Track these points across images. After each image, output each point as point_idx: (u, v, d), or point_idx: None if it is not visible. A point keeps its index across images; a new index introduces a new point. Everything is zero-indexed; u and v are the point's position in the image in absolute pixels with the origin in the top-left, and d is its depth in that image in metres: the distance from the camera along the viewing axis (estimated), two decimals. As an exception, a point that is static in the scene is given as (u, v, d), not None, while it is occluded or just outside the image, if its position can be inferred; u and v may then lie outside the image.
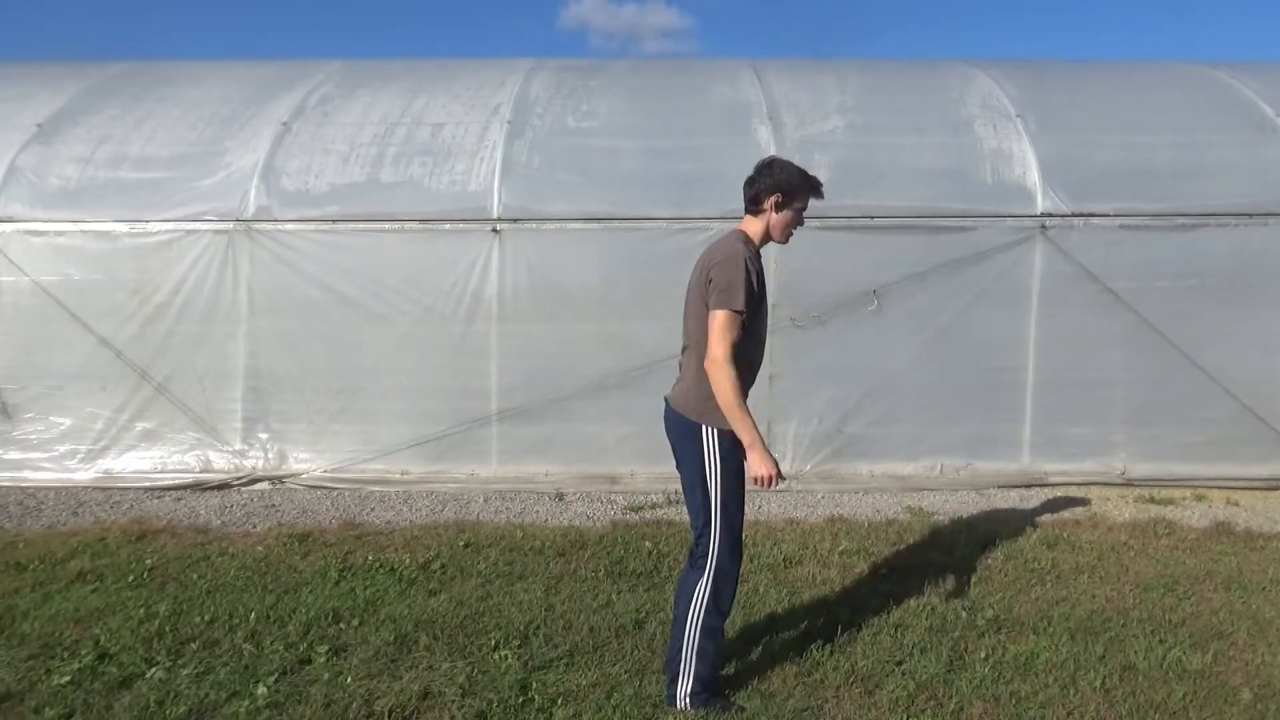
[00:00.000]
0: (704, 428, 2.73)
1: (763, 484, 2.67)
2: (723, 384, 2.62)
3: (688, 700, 2.79)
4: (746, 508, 2.86)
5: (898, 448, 5.56)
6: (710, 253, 2.79)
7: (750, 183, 2.85)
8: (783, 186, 2.78)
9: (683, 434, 2.80)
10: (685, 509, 2.93)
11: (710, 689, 2.82)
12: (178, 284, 5.49)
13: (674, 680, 2.81)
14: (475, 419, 5.51)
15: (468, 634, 3.39)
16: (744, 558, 2.82)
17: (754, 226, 2.85)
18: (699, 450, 2.75)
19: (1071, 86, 6.37)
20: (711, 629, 2.76)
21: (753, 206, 2.84)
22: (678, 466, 2.87)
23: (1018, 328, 5.49)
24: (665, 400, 2.90)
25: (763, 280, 2.75)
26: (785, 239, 2.89)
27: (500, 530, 4.64)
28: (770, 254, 5.39)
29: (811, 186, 2.83)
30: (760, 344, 2.86)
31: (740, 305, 2.63)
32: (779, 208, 2.80)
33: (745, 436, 2.66)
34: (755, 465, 2.67)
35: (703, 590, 2.74)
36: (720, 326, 2.63)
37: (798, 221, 2.87)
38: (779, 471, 2.68)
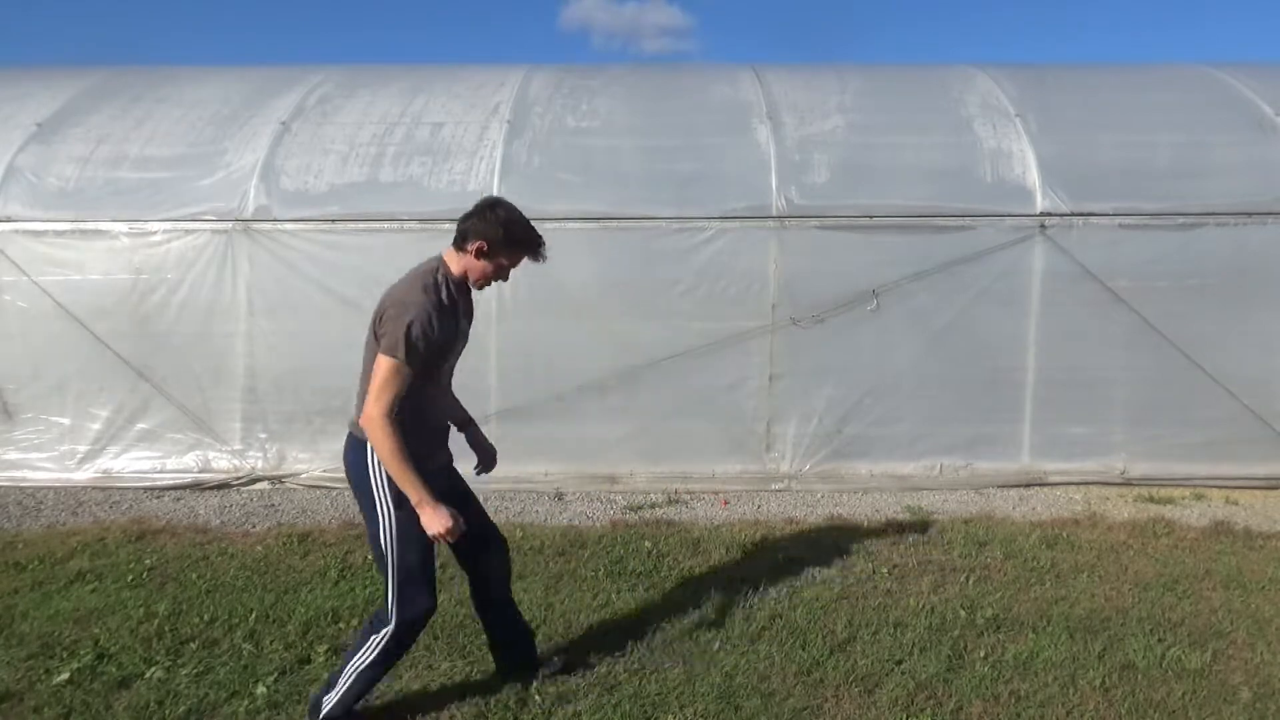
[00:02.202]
0: (369, 451, 2.57)
1: (441, 539, 2.52)
2: (381, 442, 2.45)
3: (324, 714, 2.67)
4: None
5: (897, 447, 5.56)
6: (393, 290, 2.60)
7: (464, 218, 2.65)
8: (489, 238, 2.60)
9: (359, 475, 2.63)
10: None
11: (352, 715, 2.72)
12: (176, 284, 5.48)
13: (327, 690, 2.69)
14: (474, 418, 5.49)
15: (467, 633, 3.39)
16: (431, 606, 2.67)
17: (453, 262, 2.67)
18: (370, 491, 2.60)
19: (1071, 86, 6.36)
20: (379, 666, 2.66)
21: (459, 240, 2.65)
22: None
23: (1017, 327, 5.49)
24: (349, 434, 2.70)
25: (440, 337, 2.55)
26: (480, 287, 2.71)
27: (500, 530, 4.63)
28: (770, 253, 5.41)
29: (530, 248, 2.67)
30: (444, 390, 2.73)
31: (403, 357, 2.46)
32: (480, 255, 2.63)
33: (412, 495, 2.48)
34: (428, 523, 2.50)
35: (383, 636, 2.61)
36: (381, 377, 2.46)
37: (500, 275, 2.69)
38: (455, 522, 2.51)
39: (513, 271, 2.74)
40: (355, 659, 2.65)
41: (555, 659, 3.12)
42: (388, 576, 2.60)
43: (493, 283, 2.72)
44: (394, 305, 2.54)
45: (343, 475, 5.28)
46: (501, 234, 2.62)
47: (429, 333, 2.51)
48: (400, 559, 2.58)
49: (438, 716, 2.83)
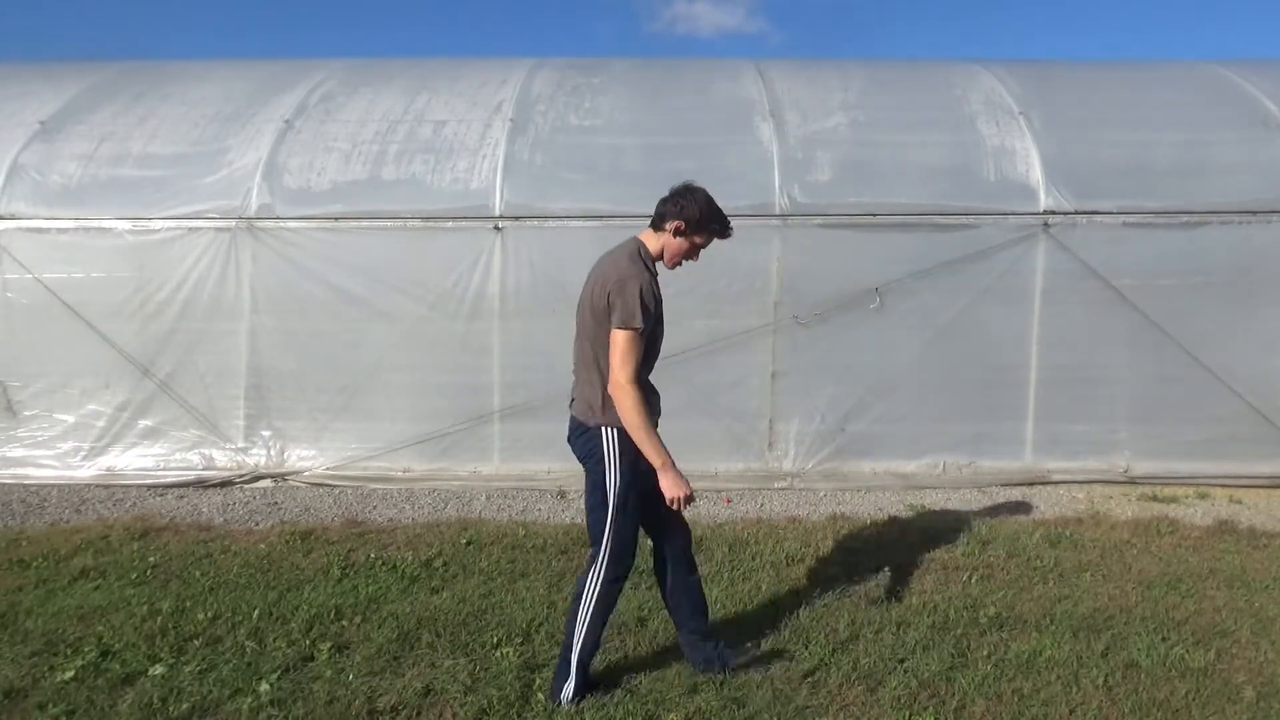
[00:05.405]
0: (603, 429, 2.76)
1: (677, 505, 2.72)
2: (627, 407, 2.64)
3: (568, 697, 2.84)
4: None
5: (900, 445, 5.55)
6: (606, 270, 2.77)
7: (662, 200, 2.85)
8: (686, 218, 2.79)
9: (583, 441, 2.82)
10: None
11: (588, 685, 2.90)
12: (180, 282, 5.49)
13: (559, 677, 2.87)
14: (477, 416, 5.51)
15: (470, 631, 3.39)
16: (631, 565, 2.89)
17: (651, 241, 2.86)
18: (599, 450, 2.76)
19: (1075, 84, 6.35)
20: (594, 626, 2.83)
21: (657, 222, 2.85)
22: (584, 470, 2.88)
23: (1020, 325, 5.48)
24: (570, 415, 2.91)
25: (659, 300, 2.75)
26: (673, 266, 2.88)
27: (502, 528, 4.65)
28: (773, 251, 5.41)
29: (718, 227, 2.85)
30: (650, 366, 2.86)
31: (640, 324, 2.64)
32: (677, 234, 2.81)
33: (656, 459, 2.69)
34: (668, 488, 2.70)
35: (591, 590, 2.81)
36: (622, 349, 2.64)
37: (692, 255, 2.88)
38: (690, 492, 2.73)
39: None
40: (575, 626, 2.83)
41: (749, 645, 3.20)
42: (602, 542, 2.79)
43: (682, 264, 2.90)
44: (615, 280, 2.69)
45: (346, 474, 5.32)
46: (698, 213, 2.80)
47: (654, 296, 2.72)
48: (617, 529, 2.78)
49: (440, 714, 2.83)
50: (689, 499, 2.74)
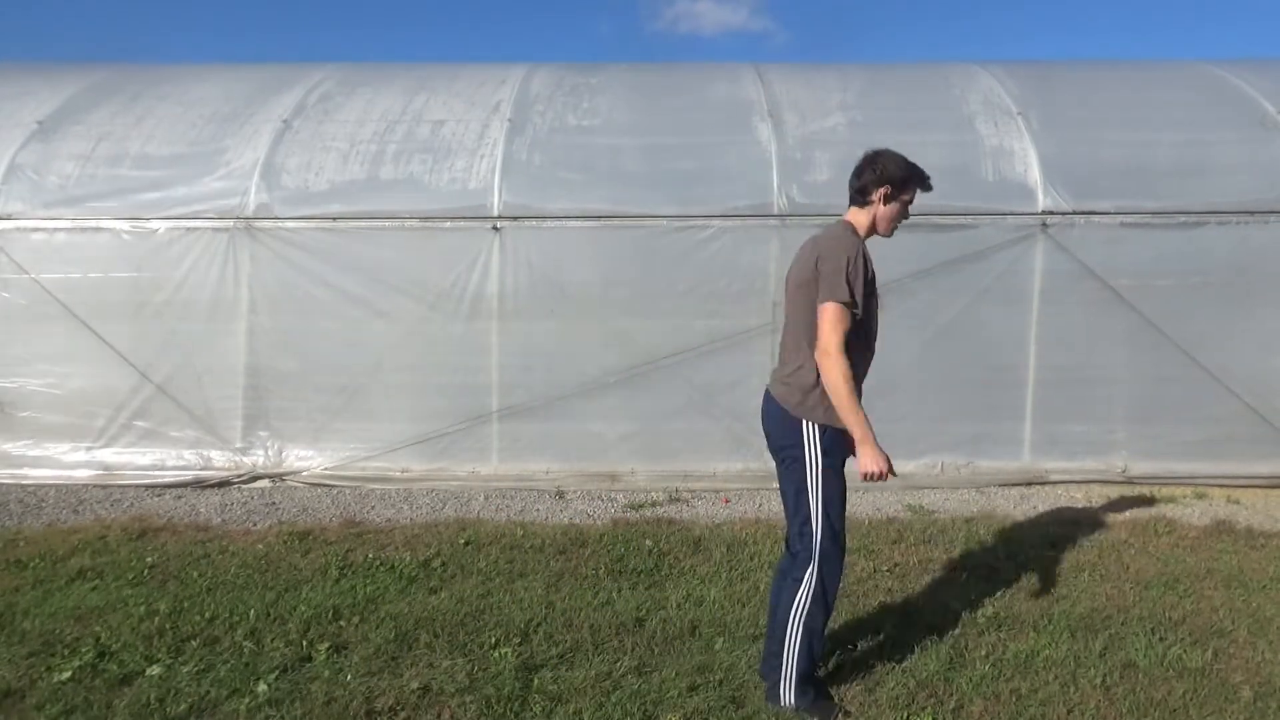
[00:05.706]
0: (804, 423, 2.70)
1: (873, 479, 2.63)
2: (834, 376, 2.60)
3: (793, 699, 2.78)
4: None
5: (898, 445, 5.47)
6: (816, 244, 2.74)
7: (857, 174, 2.81)
8: (890, 179, 2.76)
9: (782, 428, 2.76)
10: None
11: (817, 687, 2.83)
12: (178, 282, 5.49)
13: (776, 683, 2.80)
14: (476, 416, 5.51)
15: (468, 632, 3.39)
16: (845, 552, 2.82)
17: (860, 218, 2.81)
18: (799, 447, 2.71)
19: (1073, 84, 6.35)
20: (815, 629, 2.74)
21: (859, 198, 2.81)
22: (774, 457, 2.84)
23: (1019, 326, 5.48)
24: (766, 390, 2.87)
25: (872, 272, 2.70)
26: (890, 232, 2.84)
27: (501, 528, 4.64)
28: (772, 252, 5.41)
29: (920, 179, 2.80)
30: (870, 339, 2.81)
31: (848, 297, 2.60)
32: (886, 200, 2.77)
33: (856, 431, 2.63)
34: (866, 461, 2.61)
35: (807, 590, 2.72)
36: (831, 319, 2.60)
37: (904, 215, 2.84)
38: (890, 466, 2.63)
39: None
40: (791, 621, 2.73)
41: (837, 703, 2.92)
42: (815, 532, 2.72)
43: (896, 229, 2.85)
44: (828, 252, 2.66)
45: (344, 474, 5.31)
46: (899, 171, 2.78)
47: (866, 265, 2.67)
48: (829, 516, 2.71)
49: (438, 714, 2.82)
50: (886, 474, 2.63)
